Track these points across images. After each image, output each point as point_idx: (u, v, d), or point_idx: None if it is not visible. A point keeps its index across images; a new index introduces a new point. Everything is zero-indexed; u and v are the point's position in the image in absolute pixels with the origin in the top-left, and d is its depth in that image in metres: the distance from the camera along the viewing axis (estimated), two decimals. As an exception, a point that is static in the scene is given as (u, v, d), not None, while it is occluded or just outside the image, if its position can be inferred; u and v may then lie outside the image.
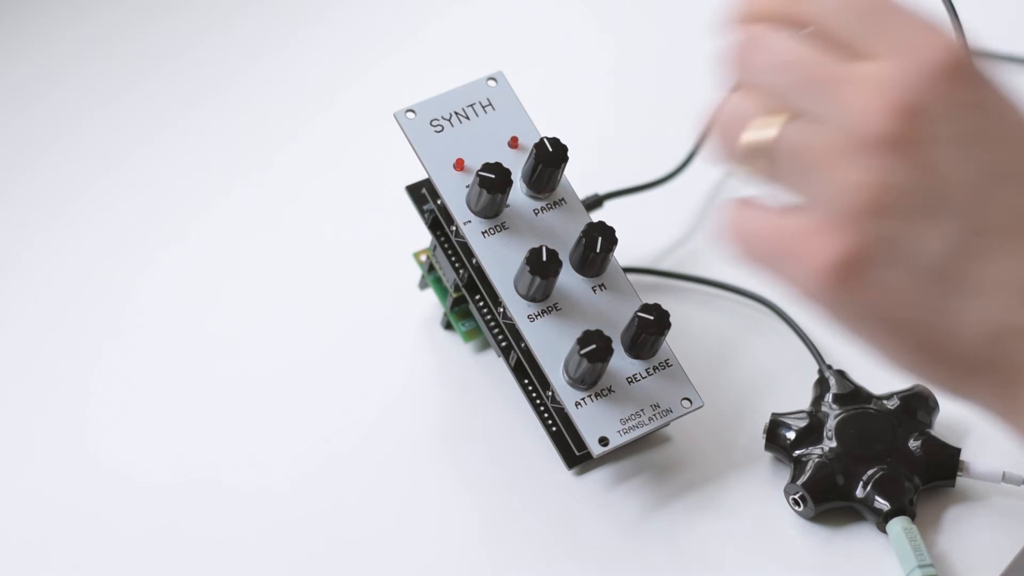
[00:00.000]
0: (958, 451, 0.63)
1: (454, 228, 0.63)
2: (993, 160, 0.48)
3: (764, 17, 0.51)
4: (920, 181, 0.47)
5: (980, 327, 0.48)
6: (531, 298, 0.62)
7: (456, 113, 0.64)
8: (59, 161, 0.76)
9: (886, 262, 0.48)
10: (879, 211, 0.47)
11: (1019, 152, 0.49)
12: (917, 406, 0.64)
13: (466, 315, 0.67)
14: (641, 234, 0.71)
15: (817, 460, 0.62)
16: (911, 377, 0.49)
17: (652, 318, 0.61)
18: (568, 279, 0.62)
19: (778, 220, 0.49)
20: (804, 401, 0.65)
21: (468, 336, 0.67)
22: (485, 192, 0.61)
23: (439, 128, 0.63)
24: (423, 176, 0.64)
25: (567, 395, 0.61)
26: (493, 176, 0.61)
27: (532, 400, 0.64)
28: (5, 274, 0.71)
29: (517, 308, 0.62)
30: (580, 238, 0.62)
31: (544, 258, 0.61)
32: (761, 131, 0.49)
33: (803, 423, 0.63)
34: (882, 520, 0.61)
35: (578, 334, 0.61)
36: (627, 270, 0.65)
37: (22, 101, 0.78)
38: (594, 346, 0.60)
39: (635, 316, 0.61)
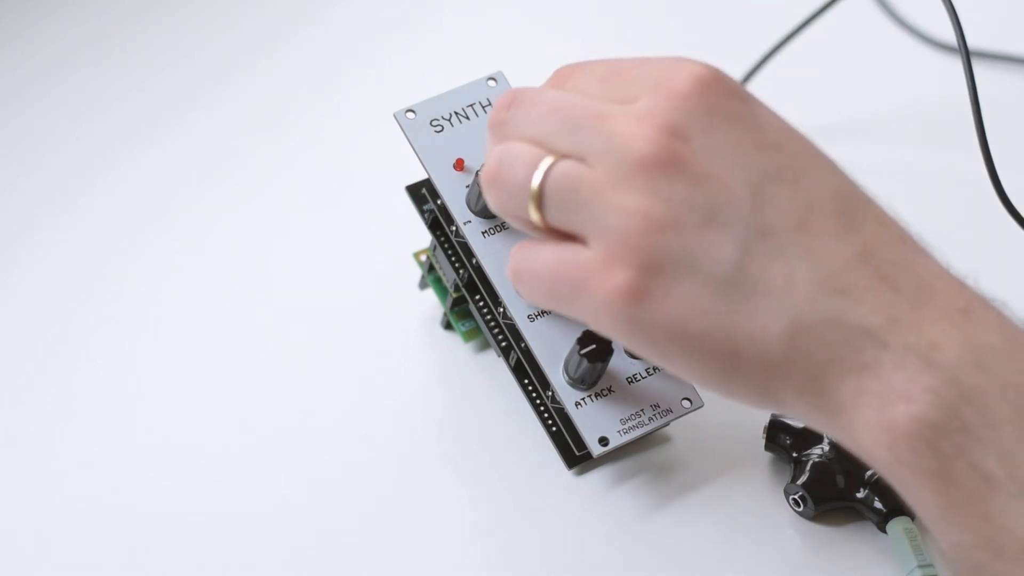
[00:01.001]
0: (958, 451, 0.63)
1: (454, 228, 0.63)
2: (761, 163, 0.49)
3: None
4: (695, 192, 0.48)
5: (776, 327, 0.48)
6: None
7: (456, 113, 0.64)
8: (62, 162, 0.76)
9: (674, 277, 0.48)
10: (659, 229, 0.48)
11: (783, 155, 0.50)
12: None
13: (466, 315, 0.67)
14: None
15: (817, 460, 0.62)
16: (721, 394, 0.50)
17: None
18: None
19: (563, 255, 0.51)
20: (804, 401, 0.65)
21: (468, 336, 0.67)
22: (485, 192, 0.61)
23: (439, 128, 0.63)
24: (423, 176, 0.64)
25: (567, 395, 0.61)
26: (493, 176, 0.61)
27: (532, 400, 0.64)
28: (5, 279, 0.71)
29: (517, 308, 0.62)
30: None
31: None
32: (531, 175, 0.51)
33: (803, 423, 0.63)
34: (882, 520, 0.61)
35: (578, 334, 0.61)
36: (627, 270, 0.65)
37: (23, 102, 0.78)
38: (594, 346, 0.60)
39: None
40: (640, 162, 0.49)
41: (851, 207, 0.50)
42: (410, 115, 0.63)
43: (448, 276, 0.65)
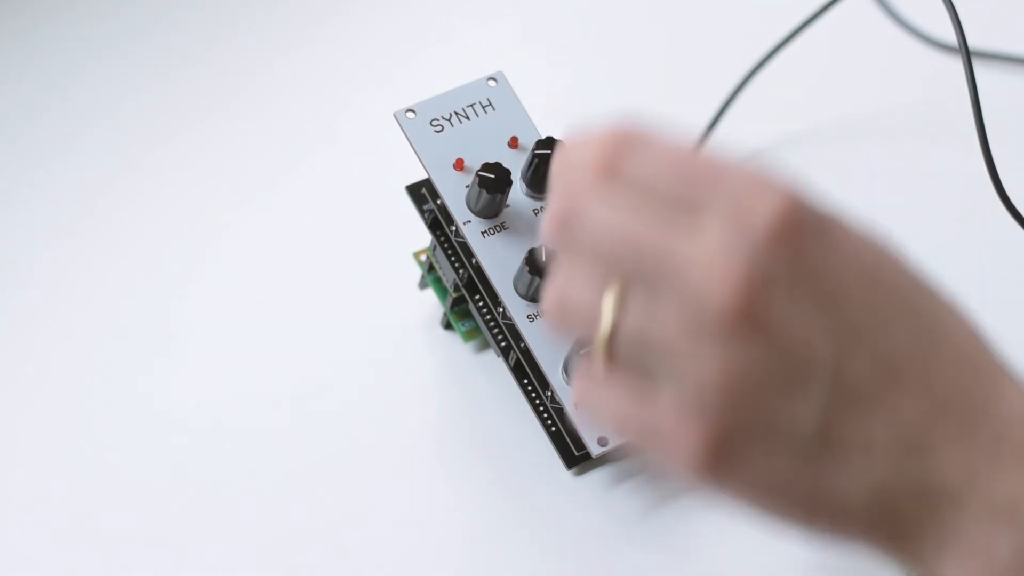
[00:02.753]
0: (958, 451, 0.63)
1: (454, 228, 0.63)
2: (844, 316, 0.46)
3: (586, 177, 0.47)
4: (775, 355, 0.45)
5: (861, 490, 0.46)
6: (531, 298, 0.62)
7: (456, 113, 0.64)
8: (66, 166, 0.76)
9: (756, 441, 0.46)
10: (737, 390, 0.45)
11: (867, 302, 0.47)
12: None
13: (466, 315, 0.67)
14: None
15: (817, 460, 0.62)
16: (805, 536, 0.48)
17: None
18: None
19: (636, 404, 0.47)
20: (804, 401, 0.65)
21: (468, 336, 0.67)
22: (485, 192, 0.61)
23: (439, 128, 0.63)
24: (423, 176, 0.64)
25: (566, 395, 0.61)
26: (493, 176, 0.61)
27: (531, 400, 0.64)
28: (7, 284, 0.72)
29: (517, 308, 0.62)
30: None
31: (544, 259, 0.61)
32: (597, 321, 0.46)
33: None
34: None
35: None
36: (627, 270, 0.65)
37: (28, 107, 0.78)
38: (594, 346, 0.60)
39: None
40: (717, 317, 0.45)
41: (931, 348, 0.47)
42: (410, 115, 0.63)
43: (448, 276, 0.65)
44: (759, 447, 0.46)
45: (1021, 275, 0.70)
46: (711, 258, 0.45)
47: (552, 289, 0.47)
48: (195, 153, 0.77)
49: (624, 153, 0.47)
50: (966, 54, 0.64)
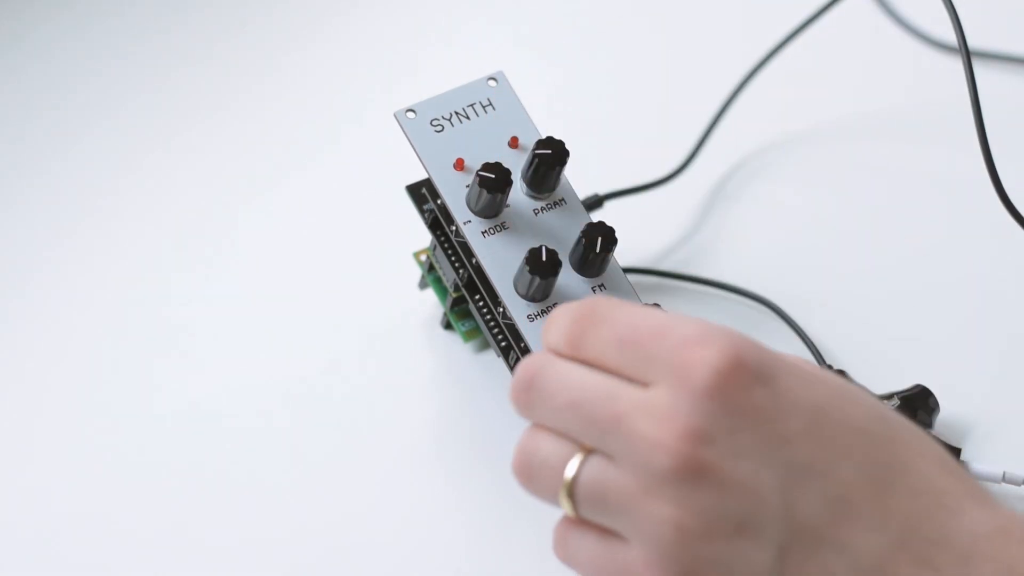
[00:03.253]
0: (959, 451, 0.63)
1: (454, 228, 0.63)
2: (789, 458, 0.48)
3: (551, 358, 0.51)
4: (724, 499, 0.47)
5: None
6: (531, 298, 0.62)
7: (456, 113, 0.63)
8: (67, 166, 0.76)
9: None
10: (694, 539, 0.48)
11: (812, 442, 0.48)
12: (918, 406, 0.64)
13: (466, 315, 0.67)
14: (641, 234, 0.71)
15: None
16: None
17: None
18: (568, 279, 0.62)
19: (606, 553, 0.50)
20: (804, 401, 0.65)
21: (468, 336, 0.67)
22: (485, 192, 0.61)
23: (439, 128, 0.63)
24: (423, 176, 0.64)
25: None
26: (493, 176, 0.61)
27: (532, 400, 0.63)
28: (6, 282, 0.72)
29: (517, 308, 0.62)
30: (580, 238, 0.62)
31: (544, 258, 0.61)
32: (560, 476, 0.50)
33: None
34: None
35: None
36: (627, 270, 0.65)
37: (28, 107, 0.78)
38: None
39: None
40: (665, 473, 0.48)
41: (885, 482, 0.48)
42: (410, 115, 0.63)
43: (448, 276, 0.65)
44: None
45: (1021, 275, 0.70)
46: (655, 419, 0.48)
47: (519, 450, 0.52)
48: (194, 153, 0.77)
49: (586, 325, 0.51)
50: (966, 54, 0.64)
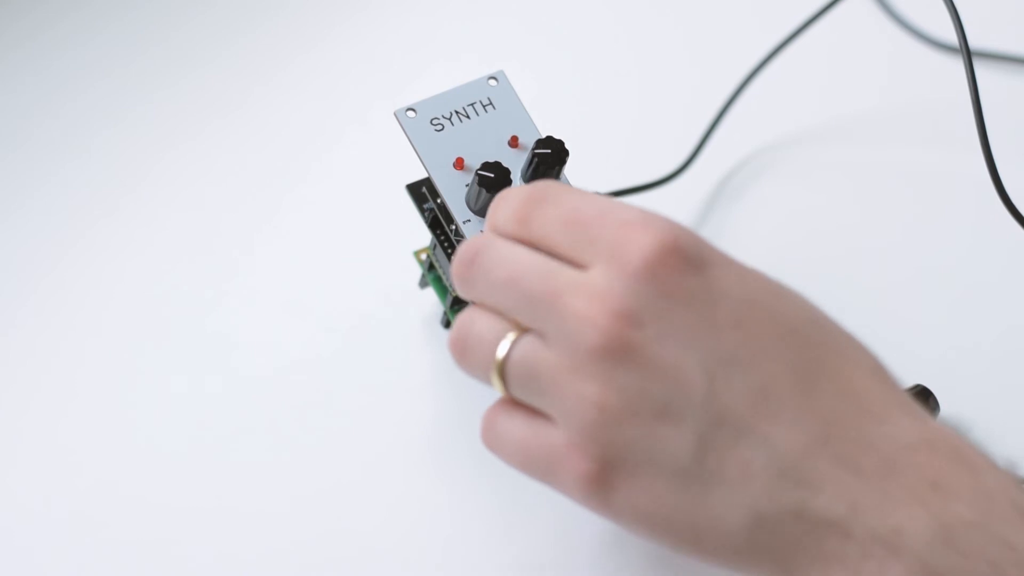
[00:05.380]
0: (958, 451, 0.63)
1: (454, 227, 0.63)
2: (716, 346, 0.48)
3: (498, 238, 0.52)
4: (648, 381, 0.48)
5: (735, 519, 0.47)
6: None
7: (456, 112, 0.63)
8: (68, 166, 0.76)
9: (633, 468, 0.48)
10: (615, 420, 0.48)
11: (741, 332, 0.48)
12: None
13: (466, 314, 0.67)
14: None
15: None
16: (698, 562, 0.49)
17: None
18: None
19: (531, 434, 0.50)
20: (804, 401, 0.65)
21: (468, 335, 0.67)
22: (485, 191, 0.61)
23: (439, 127, 0.63)
24: (423, 175, 0.64)
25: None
26: (492, 175, 0.61)
27: (532, 399, 0.63)
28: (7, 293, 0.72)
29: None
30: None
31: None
32: (493, 353, 0.51)
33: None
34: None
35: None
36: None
37: (36, 112, 0.78)
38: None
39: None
40: (593, 351, 0.48)
41: (811, 383, 0.48)
42: (411, 114, 0.63)
43: (448, 275, 0.65)
44: (640, 475, 0.48)
45: (1022, 275, 0.70)
46: (588, 297, 0.48)
47: (455, 326, 0.52)
48: (194, 153, 0.77)
49: (533, 205, 0.52)
50: (966, 54, 0.64)
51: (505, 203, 0.53)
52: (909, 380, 0.64)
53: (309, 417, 0.66)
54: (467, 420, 0.66)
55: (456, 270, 0.53)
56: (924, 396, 0.64)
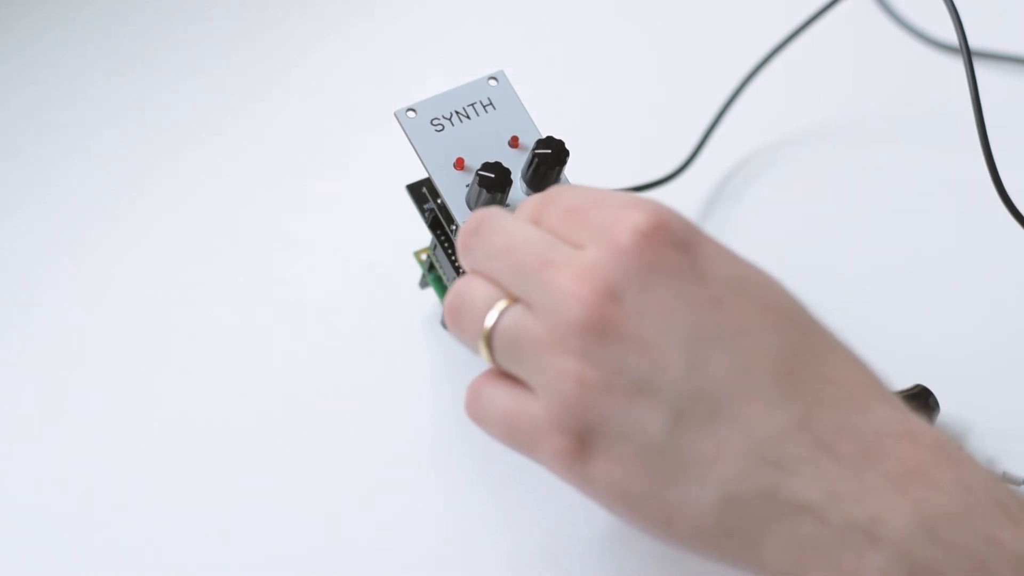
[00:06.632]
0: (958, 451, 0.63)
1: (454, 227, 0.63)
2: (697, 323, 0.48)
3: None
4: (626, 357, 0.48)
5: (706, 499, 0.47)
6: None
7: (457, 112, 0.63)
8: (72, 167, 0.76)
9: (608, 443, 0.48)
10: (592, 394, 0.48)
11: (723, 311, 0.48)
12: (917, 407, 0.64)
13: (466, 314, 0.67)
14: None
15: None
16: (667, 545, 0.49)
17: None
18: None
19: (513, 406, 0.51)
20: (804, 401, 0.65)
21: (468, 335, 0.67)
22: (485, 191, 0.61)
23: (439, 127, 0.63)
24: (423, 175, 0.64)
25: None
26: (493, 175, 0.61)
27: (532, 399, 0.63)
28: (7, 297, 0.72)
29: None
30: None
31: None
32: (483, 319, 0.51)
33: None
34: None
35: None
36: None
37: (38, 116, 0.78)
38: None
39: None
40: (574, 324, 0.48)
41: (794, 366, 0.48)
42: (411, 114, 0.63)
43: (448, 275, 0.65)
44: (615, 450, 0.48)
45: (1021, 275, 0.70)
46: (576, 272, 0.49)
47: (451, 291, 0.53)
48: (193, 154, 0.77)
49: (547, 199, 0.53)
50: (966, 54, 0.64)
51: (522, 207, 0.54)
52: (909, 380, 0.64)
53: (308, 416, 0.66)
54: (466, 420, 0.66)
55: (460, 239, 0.54)
56: (924, 396, 0.64)
